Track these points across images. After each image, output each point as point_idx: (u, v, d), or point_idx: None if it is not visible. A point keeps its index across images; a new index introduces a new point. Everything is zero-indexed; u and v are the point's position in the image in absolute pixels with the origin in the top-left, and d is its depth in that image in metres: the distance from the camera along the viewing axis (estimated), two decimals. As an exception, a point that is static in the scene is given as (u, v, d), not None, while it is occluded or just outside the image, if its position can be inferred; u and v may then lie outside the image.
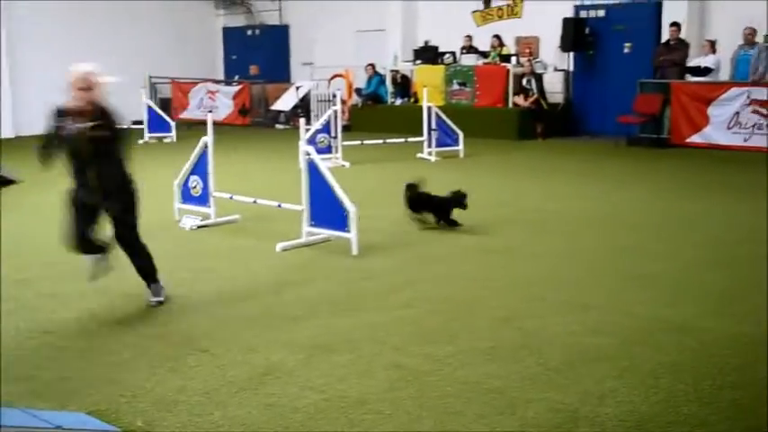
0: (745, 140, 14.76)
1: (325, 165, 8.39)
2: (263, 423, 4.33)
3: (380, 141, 15.07)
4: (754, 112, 14.64)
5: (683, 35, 16.18)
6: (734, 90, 15.00)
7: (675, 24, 16.14)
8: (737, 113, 14.85)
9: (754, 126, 14.67)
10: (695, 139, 15.44)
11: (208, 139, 9.26)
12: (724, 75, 15.85)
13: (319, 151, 11.14)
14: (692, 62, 16.11)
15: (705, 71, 15.74)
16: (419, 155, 14.87)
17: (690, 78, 15.99)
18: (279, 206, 8.93)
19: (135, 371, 5.09)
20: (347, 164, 14.15)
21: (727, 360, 4.98)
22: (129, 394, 4.72)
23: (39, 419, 4.04)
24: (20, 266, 7.55)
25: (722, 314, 5.86)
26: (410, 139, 15.01)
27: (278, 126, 21.63)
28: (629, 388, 4.58)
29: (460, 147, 14.98)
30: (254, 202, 9.31)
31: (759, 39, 15.44)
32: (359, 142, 14.96)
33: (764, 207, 9.27)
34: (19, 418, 4.04)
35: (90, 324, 6.08)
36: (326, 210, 8.03)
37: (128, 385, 4.87)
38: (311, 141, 12.62)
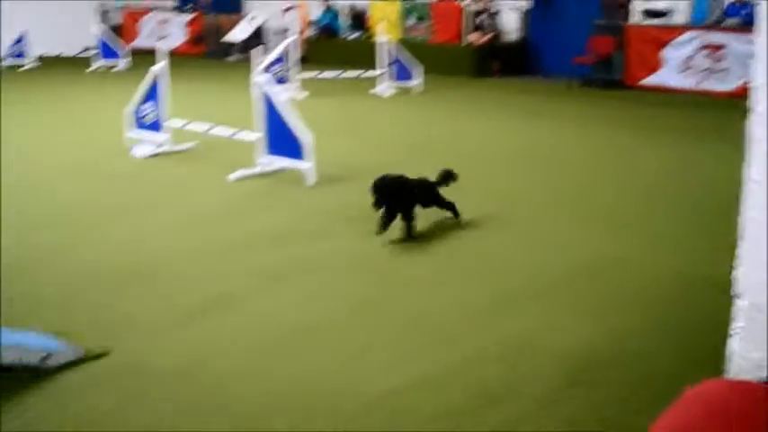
0: (697, 84, 14.93)
1: (281, 95, 8.33)
2: (215, 348, 4.37)
3: (336, 73, 14.97)
4: (707, 56, 14.79)
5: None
6: (688, 34, 15.10)
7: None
8: (690, 57, 14.99)
9: (706, 70, 14.82)
10: (648, 81, 15.56)
11: (158, 67, 9.11)
12: (683, 18, 15.93)
13: (276, 81, 11.04)
14: (647, 5, 16.18)
15: (660, 14, 15.83)
16: (372, 91, 14.81)
17: (644, 21, 16.07)
18: (234, 135, 8.85)
19: (83, 301, 5.08)
20: (303, 95, 14.04)
21: (670, 296, 5.10)
22: (82, 320, 4.71)
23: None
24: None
25: (667, 253, 5.95)
26: (366, 74, 14.91)
27: (230, 58, 21.30)
28: (575, 320, 4.68)
29: (416, 82, 14.92)
30: (209, 130, 9.22)
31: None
32: (315, 74, 14.85)
33: (714, 152, 9.40)
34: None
35: (36, 253, 6.04)
36: (282, 140, 8.00)
37: (78, 312, 4.87)
38: (267, 72, 12.49)
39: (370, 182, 6.08)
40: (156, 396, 3.84)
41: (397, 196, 6.14)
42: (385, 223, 6.11)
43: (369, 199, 5.99)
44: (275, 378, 4.03)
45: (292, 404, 3.75)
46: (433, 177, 6.57)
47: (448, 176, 6.65)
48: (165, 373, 4.08)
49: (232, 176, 8.07)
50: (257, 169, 8.24)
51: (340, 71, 15.14)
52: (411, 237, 6.19)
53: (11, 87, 15.85)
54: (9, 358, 3.97)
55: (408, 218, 6.22)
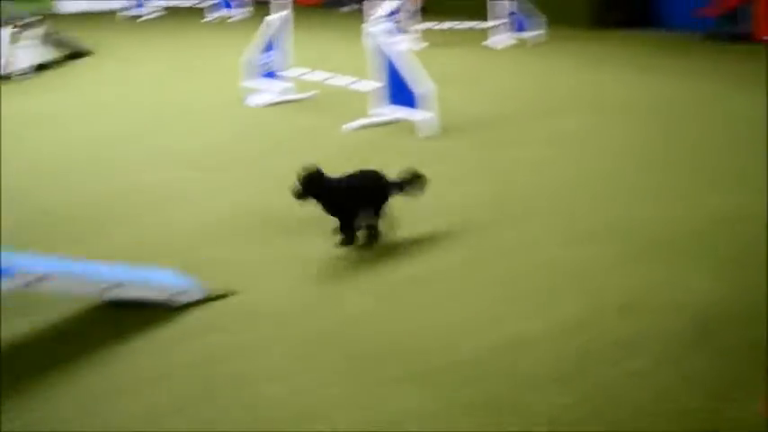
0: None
1: (400, 46, 8.31)
2: (331, 294, 4.46)
3: (453, 24, 14.83)
4: None
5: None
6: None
7: None
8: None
9: None
10: (779, 35, 14.82)
11: (277, 16, 9.22)
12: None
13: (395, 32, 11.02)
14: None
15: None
16: (487, 42, 14.59)
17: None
18: (350, 85, 8.88)
19: (208, 244, 5.28)
20: (422, 45, 13.95)
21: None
22: (207, 263, 4.88)
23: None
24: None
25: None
26: (484, 25, 14.71)
27: (344, 9, 21.32)
28: (698, 276, 4.55)
29: (534, 34, 14.62)
30: (326, 80, 9.29)
31: None
32: (431, 24, 14.76)
33: None
34: (108, 273, 4.27)
35: (162, 194, 6.26)
36: (398, 90, 8.00)
37: (203, 256, 5.04)
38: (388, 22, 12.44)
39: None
40: (273, 338, 3.97)
41: (331, 196, 5.06)
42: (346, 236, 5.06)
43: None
44: (392, 321, 4.09)
45: (410, 346, 3.81)
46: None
47: (414, 181, 5.33)
48: (283, 315, 4.21)
49: (348, 126, 8.13)
50: (373, 119, 8.27)
51: (457, 22, 14.98)
52: (347, 245, 5.03)
53: (131, 37, 16.31)
54: (141, 294, 4.20)
55: (348, 225, 5.05)
